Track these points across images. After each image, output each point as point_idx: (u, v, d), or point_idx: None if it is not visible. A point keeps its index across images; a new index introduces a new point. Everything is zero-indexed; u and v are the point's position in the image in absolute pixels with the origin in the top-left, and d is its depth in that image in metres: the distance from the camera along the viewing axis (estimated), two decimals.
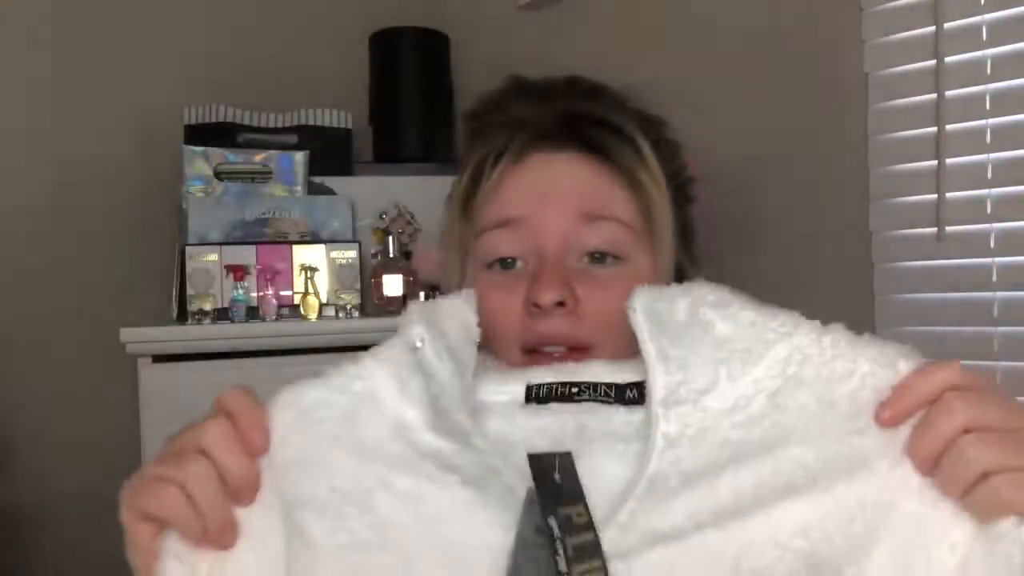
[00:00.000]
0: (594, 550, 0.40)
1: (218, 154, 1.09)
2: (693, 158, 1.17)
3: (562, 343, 0.59)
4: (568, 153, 0.62)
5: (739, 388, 0.45)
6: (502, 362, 0.62)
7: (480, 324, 0.62)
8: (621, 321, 0.58)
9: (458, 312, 0.54)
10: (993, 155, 1.00)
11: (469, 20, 1.50)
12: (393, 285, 1.03)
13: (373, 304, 1.06)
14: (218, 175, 1.08)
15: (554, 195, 0.61)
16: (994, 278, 1.00)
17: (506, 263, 0.62)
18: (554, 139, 0.62)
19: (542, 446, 0.46)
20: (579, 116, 0.63)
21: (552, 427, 0.48)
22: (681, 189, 0.68)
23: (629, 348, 0.60)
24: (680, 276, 0.66)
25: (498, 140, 0.63)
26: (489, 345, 0.63)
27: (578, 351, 0.60)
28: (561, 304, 0.58)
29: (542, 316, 0.59)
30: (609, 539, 0.40)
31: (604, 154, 0.62)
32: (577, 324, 0.59)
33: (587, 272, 0.60)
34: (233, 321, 0.97)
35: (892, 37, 1.07)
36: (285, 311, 1.00)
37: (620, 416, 0.48)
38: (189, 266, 0.98)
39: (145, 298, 1.21)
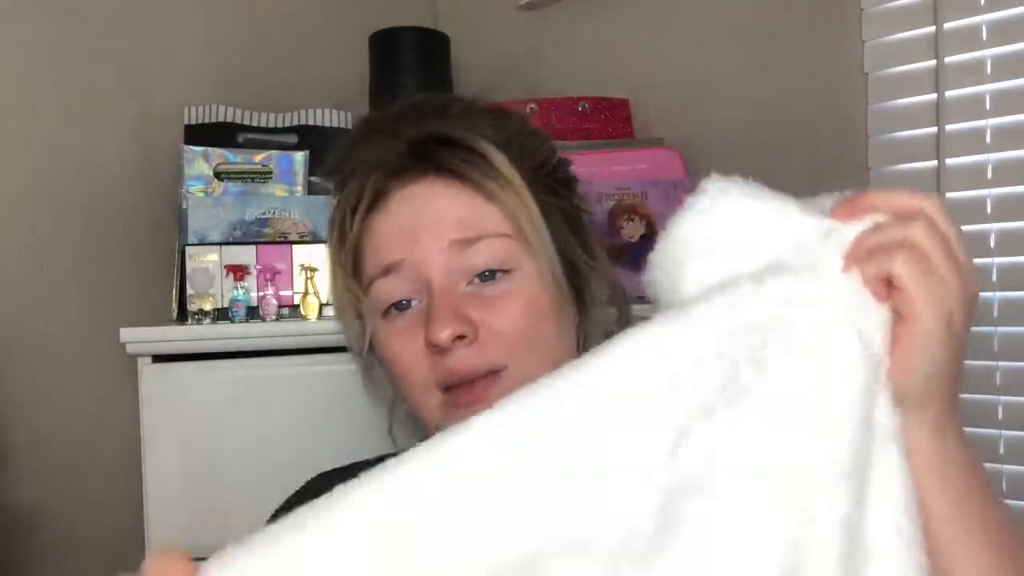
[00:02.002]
0: None
1: (218, 154, 1.09)
2: (684, 156, 1.18)
3: (474, 374, 0.58)
4: (424, 182, 0.61)
5: None
6: (421, 407, 0.61)
7: (392, 377, 0.63)
8: (523, 335, 0.59)
9: None
10: (993, 155, 1.00)
11: (469, 20, 1.50)
12: None
13: None
14: (218, 175, 1.08)
15: (423, 230, 0.60)
16: (994, 278, 1.00)
17: (400, 305, 0.61)
18: (407, 171, 0.61)
19: None
20: (423, 140, 0.62)
21: None
22: (552, 177, 0.67)
23: (542, 366, 0.60)
24: (573, 270, 0.65)
25: (354, 188, 0.63)
26: (405, 394, 0.63)
27: (492, 375, 0.59)
28: (461, 337, 0.57)
29: (446, 353, 0.58)
30: None
31: (457, 173, 0.61)
32: (483, 350, 0.58)
33: (479, 294, 0.59)
34: (233, 321, 0.97)
35: (892, 37, 1.07)
36: (285, 311, 1.00)
37: None
38: (189, 266, 0.98)
39: (145, 298, 1.21)
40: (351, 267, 0.64)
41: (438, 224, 0.60)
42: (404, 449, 0.70)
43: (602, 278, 0.68)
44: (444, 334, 0.57)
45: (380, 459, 0.72)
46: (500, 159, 0.61)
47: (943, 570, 0.39)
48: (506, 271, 0.60)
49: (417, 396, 0.61)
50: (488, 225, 0.61)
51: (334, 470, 0.73)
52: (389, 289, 0.61)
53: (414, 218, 0.61)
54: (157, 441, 0.90)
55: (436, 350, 0.58)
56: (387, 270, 0.61)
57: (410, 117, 0.65)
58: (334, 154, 0.68)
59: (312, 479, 0.73)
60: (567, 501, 0.34)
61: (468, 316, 0.58)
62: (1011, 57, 0.99)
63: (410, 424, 0.73)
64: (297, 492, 0.72)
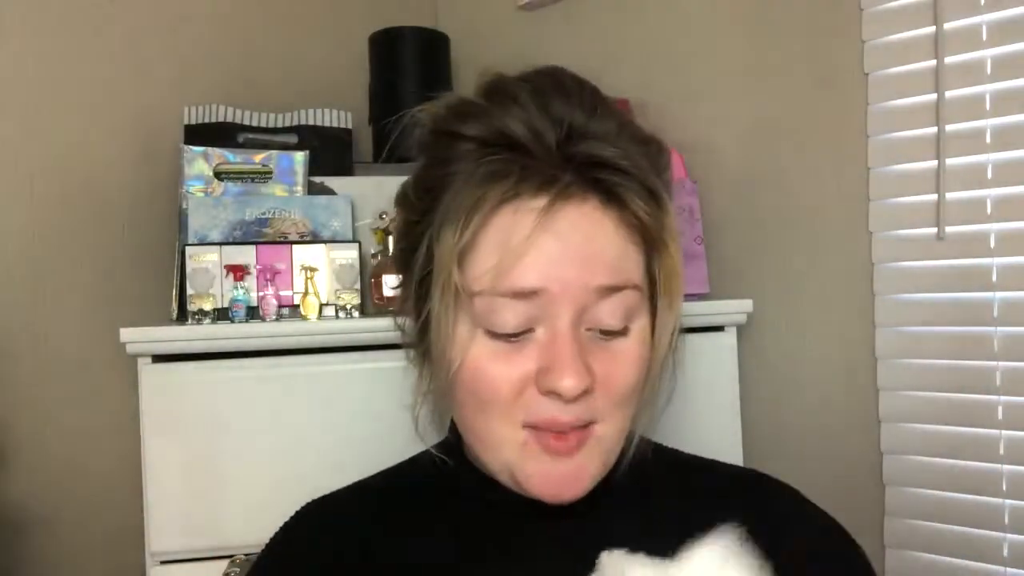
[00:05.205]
0: None
1: (218, 154, 1.09)
2: (683, 156, 1.18)
3: (574, 425, 0.55)
4: (591, 203, 0.55)
5: None
6: (492, 434, 0.57)
7: (466, 393, 0.57)
8: (627, 394, 0.57)
9: None
10: (993, 155, 1.00)
11: (469, 20, 1.50)
12: (393, 285, 1.03)
13: (373, 304, 1.06)
14: (218, 175, 1.08)
15: (577, 261, 0.54)
16: (994, 278, 1.00)
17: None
18: (576, 186, 0.54)
19: None
20: (598, 161, 0.55)
21: None
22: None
23: (623, 424, 0.58)
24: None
25: (509, 185, 0.54)
26: (476, 417, 0.58)
27: (584, 427, 0.56)
28: (585, 391, 0.54)
29: (559, 400, 0.54)
30: None
31: (626, 207, 0.55)
32: (592, 403, 0.55)
33: (598, 344, 0.56)
34: (233, 321, 0.97)
35: (892, 37, 1.07)
36: (285, 311, 1.00)
37: None
38: (189, 266, 0.98)
39: (145, 298, 1.21)
40: (466, 258, 0.56)
41: (593, 262, 0.54)
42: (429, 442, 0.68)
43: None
44: (573, 385, 0.53)
45: (376, 481, 0.72)
46: (669, 205, 0.57)
47: None
48: (627, 327, 0.57)
49: (494, 423, 0.56)
50: (631, 274, 0.56)
51: (325, 498, 0.69)
52: (508, 316, 0.54)
53: (566, 241, 0.54)
54: (157, 441, 0.90)
55: (550, 396, 0.54)
56: (516, 294, 0.54)
57: (559, 95, 0.57)
58: (466, 111, 0.58)
59: (305, 508, 0.69)
60: None
61: (592, 369, 0.54)
62: (1011, 57, 0.99)
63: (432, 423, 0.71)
64: (291, 523, 0.68)
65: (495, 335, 0.55)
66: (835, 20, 1.12)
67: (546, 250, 0.54)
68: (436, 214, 0.56)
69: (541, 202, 0.54)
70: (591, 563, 0.59)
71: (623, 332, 0.57)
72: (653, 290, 0.60)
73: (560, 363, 0.53)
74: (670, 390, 0.66)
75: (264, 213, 1.05)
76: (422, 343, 0.62)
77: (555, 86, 0.58)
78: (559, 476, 0.57)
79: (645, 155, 0.58)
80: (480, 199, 0.54)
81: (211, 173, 1.08)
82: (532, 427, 0.56)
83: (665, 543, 0.59)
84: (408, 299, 0.62)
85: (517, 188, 0.54)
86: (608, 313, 0.55)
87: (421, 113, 0.61)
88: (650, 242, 0.57)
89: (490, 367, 0.55)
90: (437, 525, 0.64)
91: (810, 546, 0.62)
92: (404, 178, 0.65)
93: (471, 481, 0.65)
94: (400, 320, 0.67)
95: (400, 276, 0.65)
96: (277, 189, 1.10)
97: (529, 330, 0.55)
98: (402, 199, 0.63)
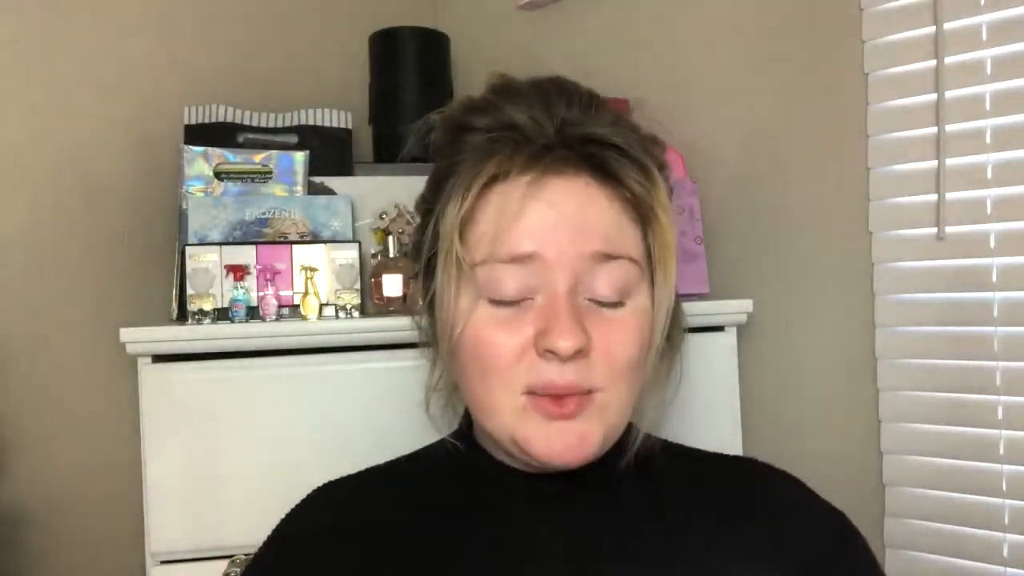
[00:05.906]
0: None
1: (218, 154, 1.09)
2: (684, 156, 1.18)
3: (572, 391, 0.57)
4: (583, 179, 0.58)
5: None
6: (494, 401, 0.59)
7: (467, 361, 0.59)
8: (628, 364, 0.58)
9: None
10: (993, 155, 1.00)
11: (469, 20, 1.50)
12: (393, 285, 1.03)
13: (373, 304, 1.06)
14: (218, 175, 1.08)
15: (571, 229, 0.57)
16: (994, 278, 1.00)
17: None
18: (568, 161, 0.58)
19: None
20: (591, 138, 0.59)
21: None
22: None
23: (628, 395, 0.60)
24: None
25: (503, 158, 0.58)
26: (478, 385, 0.60)
27: (585, 393, 0.58)
28: (580, 351, 0.56)
29: (555, 361, 0.56)
30: None
31: (619, 182, 0.59)
32: (590, 369, 0.57)
33: (596, 312, 0.58)
34: (233, 321, 0.97)
35: (892, 37, 1.07)
36: (285, 311, 1.00)
37: None
38: (189, 266, 0.98)
39: (145, 298, 1.21)
40: (468, 232, 0.59)
41: (587, 228, 0.58)
42: (441, 432, 0.69)
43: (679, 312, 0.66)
44: (568, 344, 0.55)
45: (389, 465, 0.72)
46: (663, 184, 0.60)
47: None
48: (624, 299, 0.59)
49: (496, 391, 0.58)
50: (627, 247, 0.59)
51: (339, 480, 0.71)
52: (508, 281, 0.58)
53: (563, 211, 0.57)
54: (157, 441, 0.90)
55: (547, 356, 0.56)
56: (514, 259, 0.57)
57: (559, 95, 0.61)
58: (472, 105, 0.62)
59: (318, 489, 0.71)
60: None
61: (589, 334, 0.57)
62: (1011, 57, 0.99)
63: (445, 414, 0.73)
64: (303, 503, 0.70)
65: (496, 303, 0.58)
66: (835, 20, 1.12)
67: (540, 215, 0.57)
68: (442, 198, 0.61)
69: (531, 175, 0.57)
70: (596, 545, 0.59)
71: (621, 304, 0.59)
72: (653, 270, 0.62)
73: (556, 323, 0.56)
74: (676, 384, 0.67)
75: (264, 213, 1.05)
76: (431, 324, 0.65)
77: (557, 88, 0.62)
78: (560, 438, 0.58)
79: (640, 143, 0.61)
80: (477, 174, 0.58)
81: (211, 173, 1.08)
82: (531, 392, 0.58)
83: (670, 526, 0.60)
84: (418, 286, 0.65)
85: (510, 164, 0.58)
86: (605, 283, 0.58)
87: (436, 115, 0.65)
88: (644, 216, 0.60)
89: (491, 333, 0.58)
90: (442, 504, 0.66)
91: (812, 532, 0.63)
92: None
93: (479, 461, 0.66)
94: (416, 319, 0.69)
95: (413, 269, 0.68)
96: (277, 189, 1.10)
97: (529, 298, 0.58)
98: (419, 200, 0.67)
